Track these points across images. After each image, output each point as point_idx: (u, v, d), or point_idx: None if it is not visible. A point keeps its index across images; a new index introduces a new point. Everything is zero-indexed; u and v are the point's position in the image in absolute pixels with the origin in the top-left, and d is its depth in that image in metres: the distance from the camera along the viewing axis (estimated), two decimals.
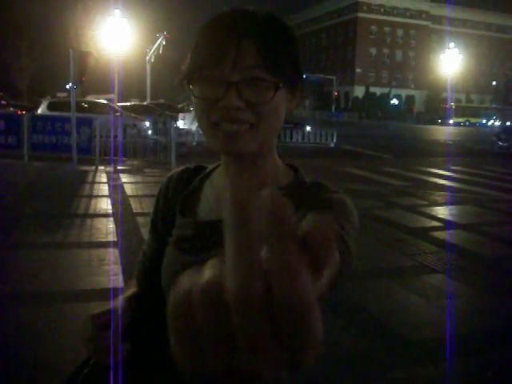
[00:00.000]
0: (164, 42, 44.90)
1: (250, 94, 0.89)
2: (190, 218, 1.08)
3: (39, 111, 18.85)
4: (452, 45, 66.44)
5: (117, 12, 39.02)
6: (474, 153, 21.74)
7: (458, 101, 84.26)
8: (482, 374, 3.58)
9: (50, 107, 18.87)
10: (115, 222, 7.27)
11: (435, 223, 8.29)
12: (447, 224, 8.19)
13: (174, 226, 1.11)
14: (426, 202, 10.11)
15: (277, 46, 0.91)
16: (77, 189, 9.88)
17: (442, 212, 9.29)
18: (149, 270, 1.17)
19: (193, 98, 0.95)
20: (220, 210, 0.98)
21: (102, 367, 0.98)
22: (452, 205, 9.88)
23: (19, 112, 20.07)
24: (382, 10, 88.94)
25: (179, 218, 1.10)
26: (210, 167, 1.15)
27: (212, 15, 0.95)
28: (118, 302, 1.07)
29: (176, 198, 1.13)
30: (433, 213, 9.13)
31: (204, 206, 1.08)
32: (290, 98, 0.98)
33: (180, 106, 34.73)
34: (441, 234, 7.52)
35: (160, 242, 1.15)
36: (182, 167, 1.19)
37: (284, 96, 0.94)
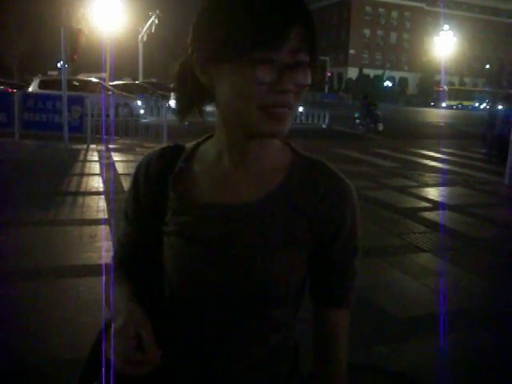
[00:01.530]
0: (156, 21, 44.48)
1: (301, 77, 0.89)
2: (189, 202, 1.02)
3: (30, 89, 18.74)
4: (446, 27, 66.23)
5: None
6: (466, 135, 21.82)
7: (451, 84, 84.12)
8: (466, 351, 3.66)
9: (41, 85, 18.75)
10: (106, 199, 7.29)
11: (424, 204, 8.37)
12: (436, 205, 8.27)
13: (164, 212, 1.04)
14: (416, 183, 10.19)
15: (313, 29, 0.90)
16: (68, 167, 9.88)
17: (432, 193, 9.37)
18: (131, 261, 1.12)
19: (224, 78, 0.90)
20: (221, 191, 1.01)
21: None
22: (442, 186, 9.96)
23: (10, 90, 19.88)
24: None
25: (174, 202, 1.03)
26: (190, 145, 1.10)
27: None
28: (128, 305, 0.96)
29: (161, 180, 1.05)
30: (422, 194, 9.21)
31: (200, 188, 1.02)
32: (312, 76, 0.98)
33: (172, 85, 34.52)
34: (429, 215, 7.60)
35: (142, 230, 1.09)
36: (159, 147, 1.12)
37: None
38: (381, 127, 20.10)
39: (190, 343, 1.03)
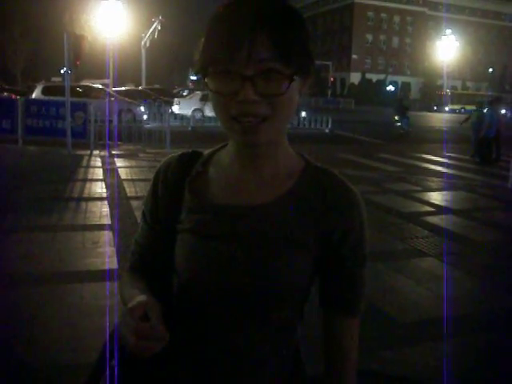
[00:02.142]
0: (159, 27, 44.65)
1: (265, 87, 0.90)
2: (204, 202, 1.06)
3: (33, 95, 18.78)
4: (449, 31, 66.18)
5: None
6: (469, 139, 21.76)
7: (453, 88, 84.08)
8: (470, 355, 3.65)
9: (45, 91, 18.81)
10: (109, 205, 7.30)
11: (428, 208, 8.35)
12: (440, 209, 8.26)
13: (179, 212, 1.08)
14: (419, 188, 10.17)
15: (290, 35, 0.91)
16: (71, 173, 9.89)
17: (435, 197, 9.35)
18: (148, 260, 1.15)
19: (208, 90, 0.95)
20: (233, 193, 1.05)
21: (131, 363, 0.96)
22: (445, 190, 9.94)
23: (13, 96, 19.95)
24: None
25: (190, 202, 1.07)
26: (208, 152, 1.14)
27: (223, 2, 0.94)
28: (144, 295, 0.98)
29: (179, 184, 1.10)
30: (425, 198, 9.20)
31: (215, 190, 1.06)
32: (302, 84, 0.98)
33: (175, 91, 34.62)
34: (433, 219, 7.58)
35: (159, 231, 1.12)
36: (178, 153, 1.16)
37: (297, 84, 0.95)
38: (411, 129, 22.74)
39: (194, 341, 1.06)
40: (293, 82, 0.91)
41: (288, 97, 0.92)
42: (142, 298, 0.94)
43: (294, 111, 0.99)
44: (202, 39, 0.95)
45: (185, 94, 29.65)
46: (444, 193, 9.75)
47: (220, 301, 1.01)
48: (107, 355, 0.98)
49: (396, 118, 23.17)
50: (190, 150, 1.16)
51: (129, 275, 1.15)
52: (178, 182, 1.10)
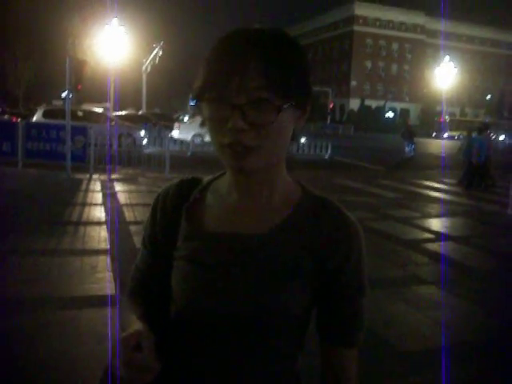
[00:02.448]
0: (161, 53, 45.07)
1: (254, 115, 0.91)
2: (200, 230, 1.06)
3: (34, 119, 18.89)
4: (447, 59, 66.81)
5: (114, 21, 39.20)
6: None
7: (452, 114, 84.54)
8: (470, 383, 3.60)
9: (46, 115, 18.90)
10: (108, 229, 7.27)
11: (427, 235, 8.33)
12: (439, 236, 8.23)
13: (176, 239, 1.09)
14: (418, 214, 10.16)
15: (282, 66, 0.92)
16: (71, 196, 9.88)
17: (435, 224, 9.34)
18: (146, 286, 1.16)
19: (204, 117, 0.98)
20: (229, 221, 1.04)
21: None
22: (444, 217, 9.93)
23: (14, 119, 20.05)
24: (378, 23, 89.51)
25: (186, 229, 1.08)
26: (207, 178, 1.15)
27: (221, 35, 0.97)
28: (136, 323, 1.01)
29: (177, 210, 1.11)
30: (425, 225, 9.18)
31: (211, 217, 1.07)
32: (299, 115, 0.99)
33: (176, 116, 34.78)
34: (433, 246, 7.55)
35: (158, 257, 1.13)
36: (177, 180, 1.17)
37: (291, 115, 0.96)
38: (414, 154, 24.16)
39: (190, 369, 1.05)
40: (284, 113, 0.92)
41: (278, 126, 0.92)
42: (136, 327, 0.95)
43: (286, 141, 0.98)
44: (201, 67, 0.97)
45: (185, 119, 29.80)
46: (443, 219, 9.74)
47: (215, 328, 1.00)
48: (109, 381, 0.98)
49: (405, 142, 24.33)
50: (190, 177, 1.17)
51: (128, 300, 1.16)
52: (175, 208, 1.11)
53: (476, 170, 14.34)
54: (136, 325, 0.97)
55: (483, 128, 15.35)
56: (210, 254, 1.03)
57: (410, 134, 24.05)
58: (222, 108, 0.92)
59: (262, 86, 0.90)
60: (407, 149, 23.93)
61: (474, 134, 15.56)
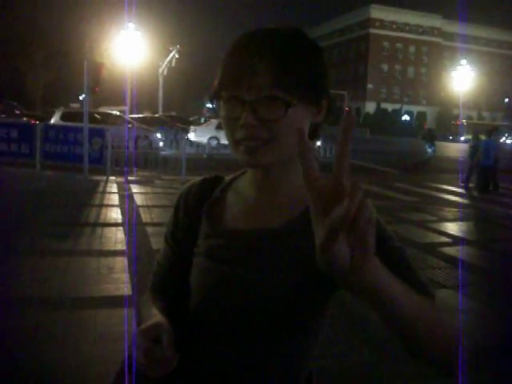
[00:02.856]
0: (177, 55, 45.26)
1: (265, 112, 0.94)
2: (219, 227, 1.09)
3: (52, 121, 19.07)
4: (464, 62, 66.40)
5: (130, 25, 39.49)
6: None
7: (469, 118, 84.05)
8: None
9: (63, 117, 19.08)
10: (125, 231, 7.32)
11: (444, 239, 8.27)
12: (456, 240, 8.17)
13: (197, 236, 1.12)
14: (435, 218, 10.09)
15: (291, 64, 0.94)
16: (88, 198, 9.96)
17: (451, 228, 9.27)
18: (168, 282, 1.19)
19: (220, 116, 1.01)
20: (247, 217, 1.06)
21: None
22: (461, 221, 9.85)
23: (32, 121, 20.26)
24: (394, 26, 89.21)
25: (206, 227, 1.11)
26: (229, 177, 1.18)
27: (241, 32, 1.00)
28: (156, 316, 1.04)
29: (198, 208, 1.14)
30: (442, 228, 9.11)
31: (230, 215, 1.10)
32: (315, 112, 1.01)
33: (192, 118, 34.90)
34: (449, 250, 7.49)
35: (179, 253, 1.16)
36: (200, 178, 1.21)
37: (304, 111, 0.98)
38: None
39: (205, 362, 1.06)
40: (295, 109, 0.94)
41: (289, 122, 0.94)
42: (156, 319, 0.98)
43: None
44: (218, 68, 1.00)
45: (202, 121, 29.91)
46: (460, 223, 9.66)
47: (231, 323, 1.02)
48: (125, 375, 1.00)
49: (427, 145, 26.69)
50: (213, 175, 1.20)
51: (148, 295, 1.19)
52: (197, 206, 1.14)
53: (484, 173, 14.24)
54: (156, 318, 1.00)
55: (492, 130, 15.34)
56: (228, 250, 1.05)
57: (431, 137, 26.20)
58: (235, 106, 0.96)
59: (271, 84, 0.93)
60: (429, 150, 25.95)
61: (482, 137, 15.55)
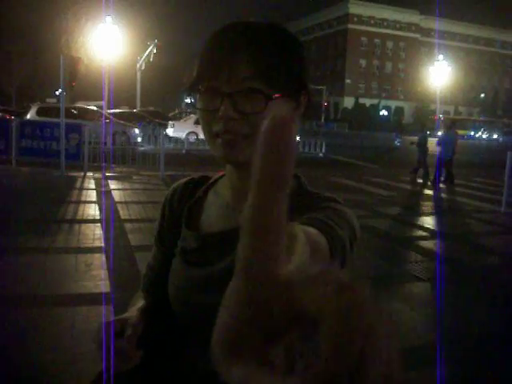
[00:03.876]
0: (155, 50, 45.00)
1: (244, 104, 0.91)
2: (194, 231, 1.09)
3: (28, 116, 18.79)
4: (441, 57, 67.05)
5: (108, 19, 39.08)
6: (461, 164, 21.91)
7: (446, 113, 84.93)
8: (466, 381, 3.62)
9: (40, 113, 18.82)
10: (103, 227, 7.26)
11: (421, 233, 8.36)
12: (433, 233, 8.26)
13: (179, 237, 1.13)
14: (412, 212, 10.20)
15: (271, 56, 0.92)
16: (65, 194, 9.86)
17: (428, 222, 9.37)
18: (156, 282, 1.19)
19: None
20: (224, 218, 1.05)
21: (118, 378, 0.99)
22: (438, 215, 9.97)
23: (8, 117, 19.96)
24: (372, 21, 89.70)
25: (184, 230, 1.11)
26: (215, 177, 1.17)
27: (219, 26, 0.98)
28: (131, 312, 1.06)
29: (181, 209, 1.14)
30: (419, 222, 9.21)
31: (206, 217, 1.10)
32: (294, 106, 0.98)
33: (172, 114, 34.73)
34: (426, 244, 7.58)
35: (166, 254, 1.16)
36: (187, 178, 1.20)
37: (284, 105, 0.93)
38: None
39: (181, 362, 1.07)
40: (275, 102, 0.91)
41: None
42: (124, 315, 1.00)
43: None
44: (195, 61, 0.98)
45: (183, 117, 29.78)
46: (437, 217, 9.78)
47: (202, 324, 1.01)
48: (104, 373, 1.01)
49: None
50: (200, 175, 1.20)
51: (136, 295, 1.21)
52: (180, 206, 1.15)
53: (446, 166, 14.54)
54: (128, 313, 1.01)
55: (451, 124, 15.79)
56: (200, 252, 1.06)
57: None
58: (213, 98, 0.93)
59: (251, 76, 0.90)
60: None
61: (426, 131, 16.41)
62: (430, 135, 16.24)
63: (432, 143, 16.05)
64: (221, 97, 0.92)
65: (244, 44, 0.91)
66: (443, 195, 12.62)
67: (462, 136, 61.66)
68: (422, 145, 15.52)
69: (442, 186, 14.03)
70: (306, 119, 1.07)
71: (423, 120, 24.55)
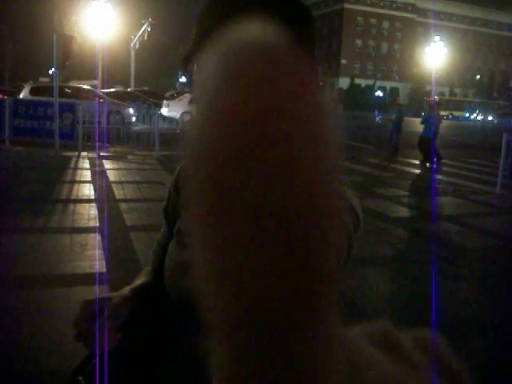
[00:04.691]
0: (149, 29, 44.55)
1: None
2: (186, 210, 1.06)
3: (21, 96, 18.63)
4: (437, 38, 66.70)
5: None
6: (456, 145, 21.94)
7: (441, 94, 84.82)
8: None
9: (33, 92, 18.66)
10: (97, 207, 7.24)
11: (416, 213, 8.39)
12: (428, 214, 8.28)
13: (179, 216, 1.12)
14: (407, 193, 10.21)
15: (286, 25, 0.79)
16: (59, 174, 9.81)
17: (424, 203, 9.39)
18: (161, 259, 1.18)
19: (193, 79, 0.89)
20: None
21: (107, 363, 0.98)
22: (433, 196, 9.99)
23: (0, 96, 19.77)
24: (369, 1, 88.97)
25: (182, 210, 1.10)
26: None
27: None
28: (123, 291, 1.05)
29: None
30: (414, 203, 9.23)
31: None
32: None
33: (168, 94, 34.44)
34: (421, 224, 7.60)
35: (171, 231, 1.16)
36: None
37: None
38: None
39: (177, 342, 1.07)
40: None
41: None
42: (113, 293, 1.00)
43: None
44: (193, 27, 0.87)
45: (175, 95, 29.56)
46: (431, 197, 9.79)
47: (189, 307, 1.01)
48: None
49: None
50: None
51: (142, 271, 1.21)
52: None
53: (424, 144, 14.76)
54: (119, 292, 1.01)
55: (435, 104, 16.08)
56: (188, 235, 1.04)
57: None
58: None
59: None
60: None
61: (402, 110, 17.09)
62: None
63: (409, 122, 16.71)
64: None
65: (255, 8, 0.75)
66: (439, 176, 12.63)
67: (457, 117, 61.75)
68: (398, 123, 16.28)
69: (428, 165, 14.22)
70: None
71: (401, 103, 24.12)
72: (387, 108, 18.67)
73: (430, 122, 14.75)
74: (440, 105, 63.61)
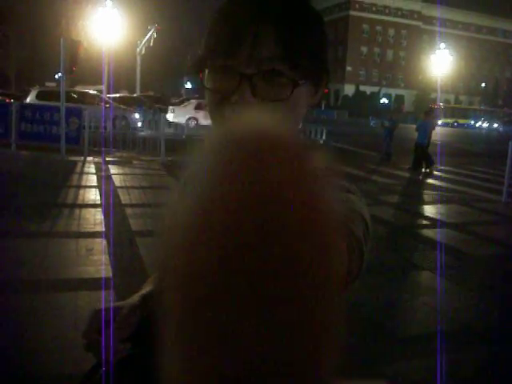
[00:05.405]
0: (155, 35, 44.67)
1: (265, 90, 0.78)
2: None
3: (28, 100, 18.71)
4: (442, 46, 66.74)
5: (108, 3, 38.77)
6: (462, 153, 21.89)
7: (447, 102, 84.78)
8: (468, 370, 3.62)
9: (39, 96, 18.74)
10: (103, 212, 7.24)
11: (422, 221, 8.35)
12: (434, 222, 8.25)
13: None
14: (413, 201, 10.18)
15: (301, 35, 0.78)
16: (65, 179, 9.82)
17: (430, 210, 9.35)
18: None
19: (205, 88, 0.84)
20: None
21: (116, 371, 0.97)
22: (439, 203, 9.95)
23: (7, 100, 19.86)
24: (374, 8, 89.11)
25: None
26: None
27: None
28: (132, 298, 1.02)
29: None
30: (420, 211, 9.20)
31: None
32: (313, 93, 0.86)
33: (175, 101, 34.43)
34: (428, 232, 7.57)
35: None
36: None
37: (305, 91, 0.82)
38: None
39: None
40: (299, 89, 0.79)
41: (290, 105, 0.79)
42: (124, 302, 0.99)
43: (298, 120, 0.85)
44: (204, 34, 0.84)
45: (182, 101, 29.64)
46: (438, 206, 9.76)
47: None
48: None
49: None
50: None
51: (153, 276, 1.18)
52: None
53: (420, 151, 14.86)
54: (129, 300, 0.99)
55: (428, 112, 16.26)
56: None
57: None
58: (228, 79, 0.78)
59: (276, 57, 0.76)
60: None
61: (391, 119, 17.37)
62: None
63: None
64: (238, 78, 0.77)
65: (267, 17, 0.77)
66: (445, 184, 12.59)
67: (463, 125, 61.64)
68: (391, 130, 16.57)
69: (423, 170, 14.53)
70: (315, 106, 0.98)
71: (392, 111, 24.41)
72: (390, 115, 18.76)
73: (425, 129, 14.92)
74: (446, 112, 63.59)
